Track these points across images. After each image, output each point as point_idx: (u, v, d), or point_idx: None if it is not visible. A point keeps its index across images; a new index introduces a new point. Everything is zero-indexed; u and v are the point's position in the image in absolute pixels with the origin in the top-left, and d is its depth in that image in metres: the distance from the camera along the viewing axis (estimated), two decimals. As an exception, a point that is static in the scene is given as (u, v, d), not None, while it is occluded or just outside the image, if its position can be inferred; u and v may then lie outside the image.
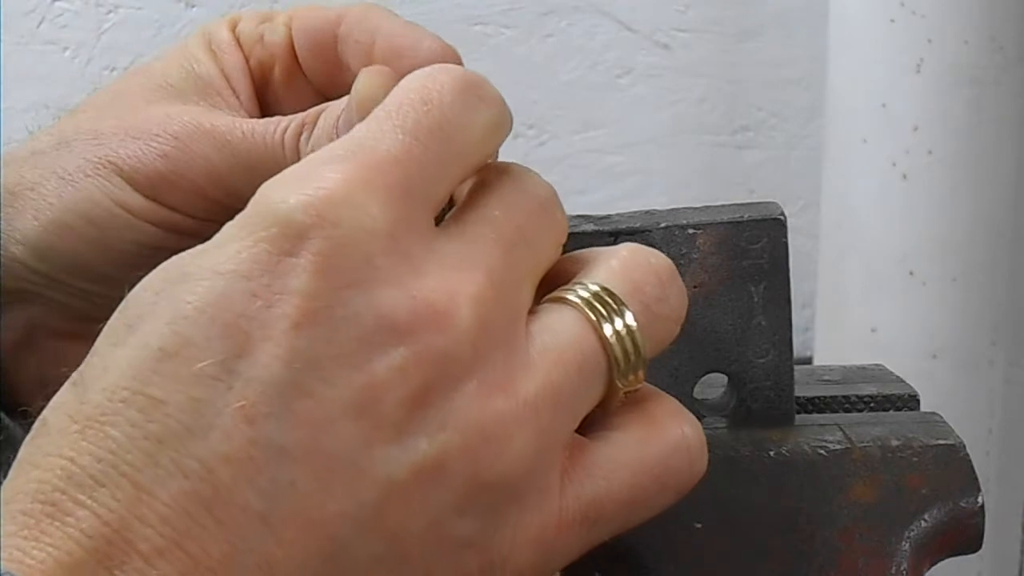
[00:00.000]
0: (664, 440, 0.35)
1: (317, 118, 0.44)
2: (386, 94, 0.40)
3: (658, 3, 1.95)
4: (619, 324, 0.34)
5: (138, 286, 0.33)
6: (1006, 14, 1.47)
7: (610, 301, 0.35)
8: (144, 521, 0.29)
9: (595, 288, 0.35)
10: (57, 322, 0.46)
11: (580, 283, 0.35)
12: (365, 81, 0.42)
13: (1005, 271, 1.54)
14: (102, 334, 0.33)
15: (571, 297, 0.35)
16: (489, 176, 0.36)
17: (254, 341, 0.30)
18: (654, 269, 0.36)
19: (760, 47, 1.96)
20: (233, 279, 0.31)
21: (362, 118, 0.40)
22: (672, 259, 0.42)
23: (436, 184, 0.34)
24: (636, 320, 0.35)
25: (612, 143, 1.97)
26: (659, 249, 0.42)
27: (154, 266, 0.34)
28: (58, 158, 0.45)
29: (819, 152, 1.65)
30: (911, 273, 1.50)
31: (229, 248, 0.32)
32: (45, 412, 0.32)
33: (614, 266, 0.36)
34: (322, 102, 0.46)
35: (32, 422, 0.32)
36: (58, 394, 0.32)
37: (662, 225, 0.42)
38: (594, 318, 0.34)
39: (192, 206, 0.44)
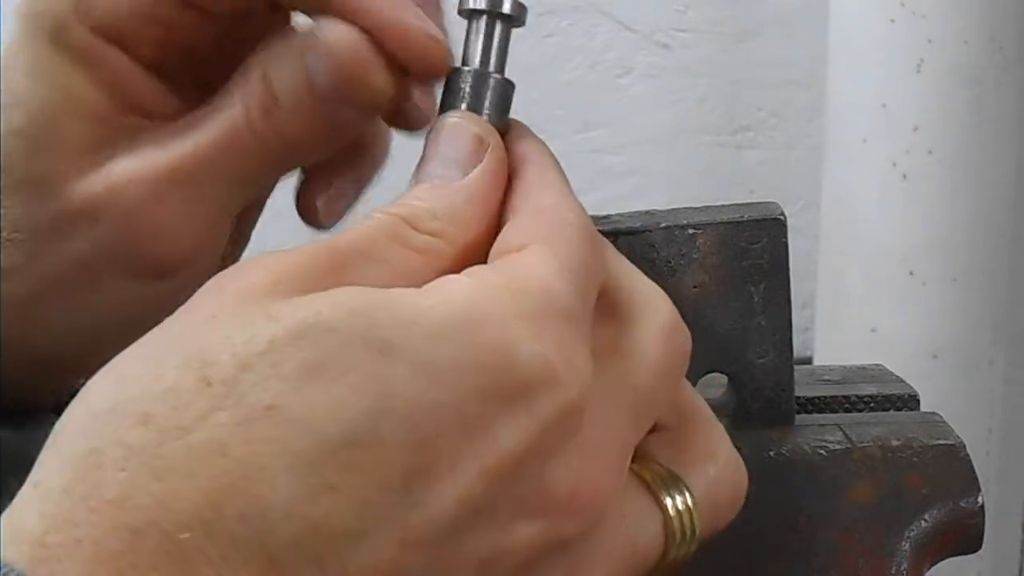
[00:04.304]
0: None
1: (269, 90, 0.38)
2: (361, 54, 0.36)
3: (658, 3, 1.95)
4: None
5: (323, 318, 0.30)
6: (1006, 14, 1.47)
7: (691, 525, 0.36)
8: None
9: (683, 506, 0.36)
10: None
11: (676, 492, 0.36)
12: (342, 40, 0.37)
13: (1005, 271, 1.54)
14: (256, 350, 0.30)
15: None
16: (637, 332, 0.36)
17: (441, 467, 0.30)
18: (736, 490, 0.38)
19: (760, 47, 1.96)
20: (448, 396, 0.30)
21: (347, 82, 0.37)
22: (672, 259, 0.42)
23: None
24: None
25: (612, 143, 1.97)
26: (659, 249, 0.42)
27: None
28: None
29: (819, 152, 1.65)
30: (911, 273, 1.50)
31: (455, 357, 0.30)
32: (152, 421, 0.29)
33: (711, 477, 0.37)
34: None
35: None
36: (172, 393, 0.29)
37: (662, 225, 0.42)
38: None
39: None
